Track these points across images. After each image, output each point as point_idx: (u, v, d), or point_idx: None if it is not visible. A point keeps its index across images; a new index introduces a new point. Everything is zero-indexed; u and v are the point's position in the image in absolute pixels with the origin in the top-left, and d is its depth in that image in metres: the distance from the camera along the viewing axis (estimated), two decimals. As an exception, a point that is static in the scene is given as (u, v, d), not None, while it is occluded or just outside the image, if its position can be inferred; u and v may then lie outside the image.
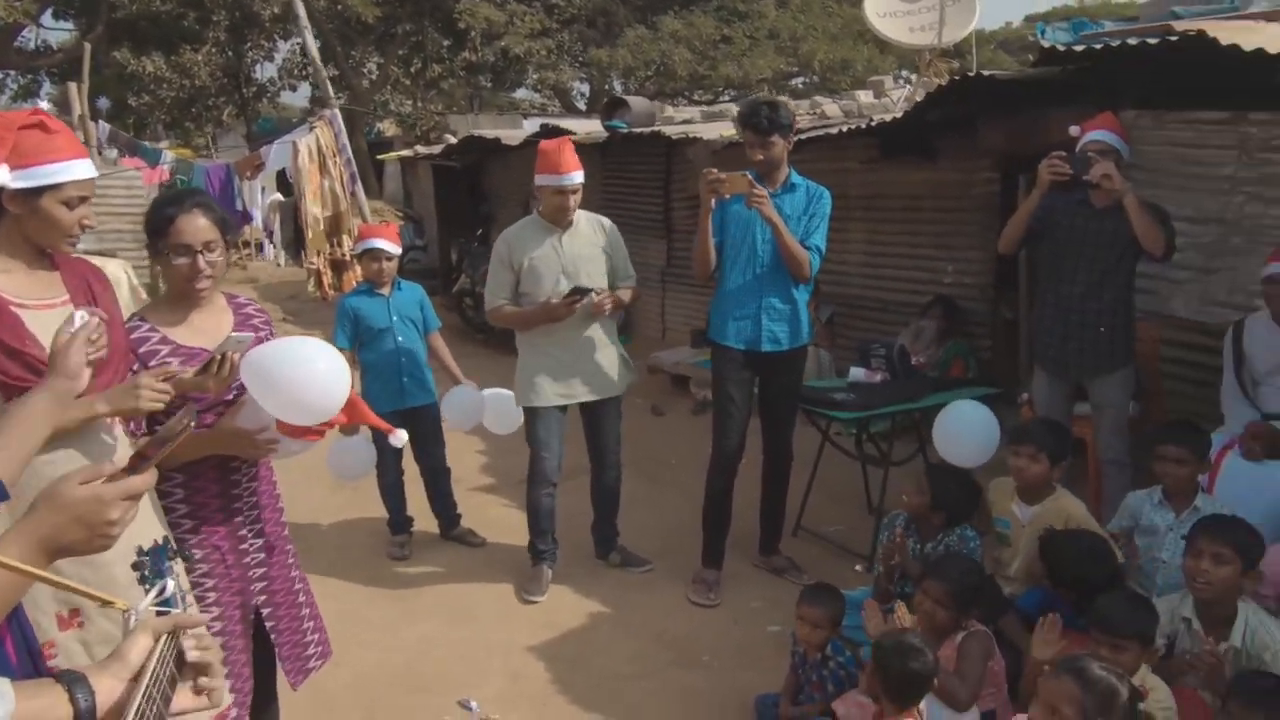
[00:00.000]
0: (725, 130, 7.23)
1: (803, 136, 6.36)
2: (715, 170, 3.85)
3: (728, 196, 3.88)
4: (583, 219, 4.14)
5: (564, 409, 4.20)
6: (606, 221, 4.26)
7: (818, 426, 4.78)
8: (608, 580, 4.35)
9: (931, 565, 3.10)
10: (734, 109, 8.97)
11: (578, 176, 4.00)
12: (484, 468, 5.98)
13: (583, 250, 4.09)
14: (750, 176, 3.81)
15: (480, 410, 4.43)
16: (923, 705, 2.63)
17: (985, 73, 5.32)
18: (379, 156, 18.21)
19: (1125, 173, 5.12)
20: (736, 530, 4.45)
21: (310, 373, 2.30)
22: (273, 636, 2.63)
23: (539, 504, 4.27)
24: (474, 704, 3.42)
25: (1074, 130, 4.03)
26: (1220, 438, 4.00)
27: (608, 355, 4.18)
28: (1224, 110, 4.86)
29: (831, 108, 8.15)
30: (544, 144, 4.08)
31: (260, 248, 13.55)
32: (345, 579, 4.40)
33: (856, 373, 4.83)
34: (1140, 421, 4.48)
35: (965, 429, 3.73)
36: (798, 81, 22.36)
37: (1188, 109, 5.02)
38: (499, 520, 5.08)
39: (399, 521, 4.70)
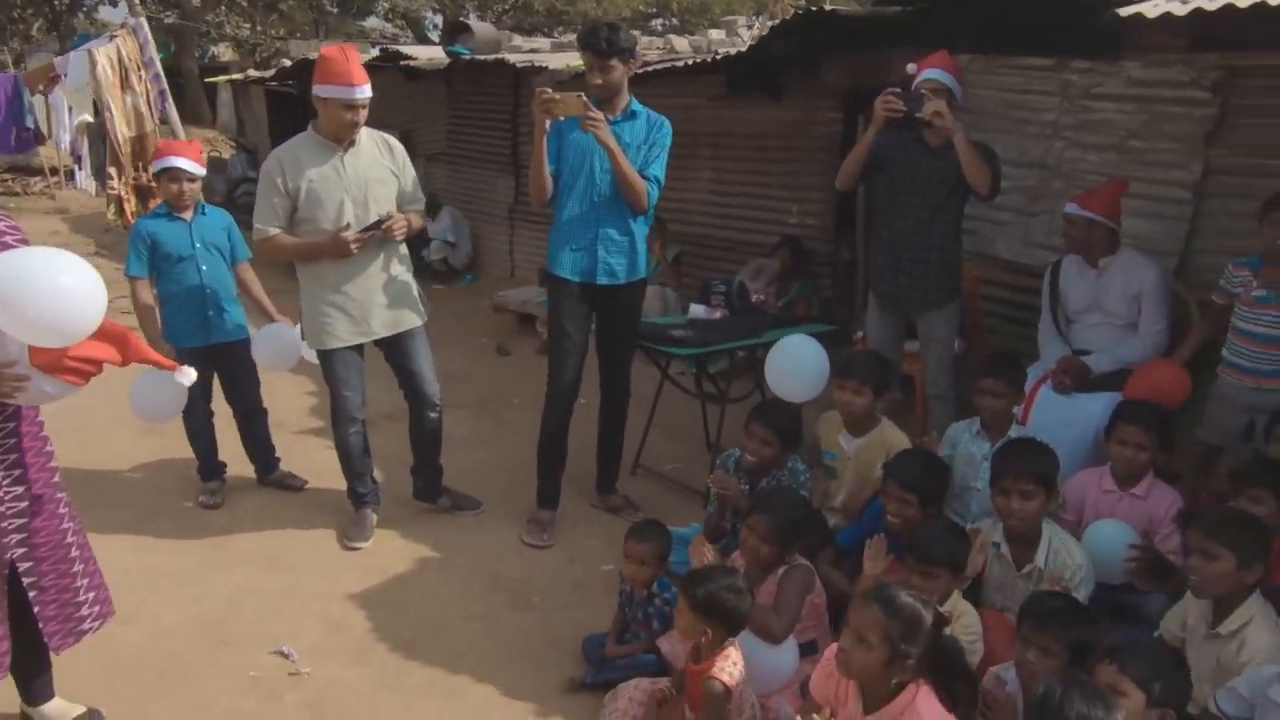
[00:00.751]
0: (573, 60, 6.99)
1: (649, 69, 6.22)
2: (549, 90, 3.65)
3: (562, 118, 3.70)
4: (365, 137, 3.78)
5: (362, 345, 3.95)
6: (393, 140, 3.94)
7: (657, 364, 4.71)
8: (438, 524, 4.18)
9: (758, 500, 3.08)
10: (584, 40, 8.71)
11: (367, 90, 3.64)
12: (313, 409, 5.64)
13: (369, 171, 3.75)
14: (585, 98, 3.64)
15: (295, 350, 4.08)
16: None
17: (828, 8, 5.29)
18: (208, 80, 16.88)
19: (957, 114, 5.25)
20: (574, 470, 4.36)
21: (53, 286, 2.00)
22: (32, 595, 2.34)
23: (348, 445, 4.03)
24: (291, 651, 3.21)
25: (911, 68, 4.04)
26: (1035, 372, 4.17)
27: (402, 286, 3.91)
28: (1049, 57, 5.01)
29: (681, 43, 8.02)
30: (327, 50, 3.70)
31: (71, 175, 12.34)
32: (149, 531, 4.05)
33: (696, 310, 4.78)
34: (964, 358, 4.62)
35: (795, 365, 3.72)
36: (657, 23, 22.15)
37: (1017, 55, 5.16)
38: (325, 464, 4.76)
39: (209, 467, 4.36)
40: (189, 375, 2.70)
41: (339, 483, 4.50)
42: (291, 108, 12.18)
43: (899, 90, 3.90)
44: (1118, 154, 4.80)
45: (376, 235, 3.70)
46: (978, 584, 3.04)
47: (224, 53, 24.82)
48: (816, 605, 2.96)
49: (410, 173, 3.94)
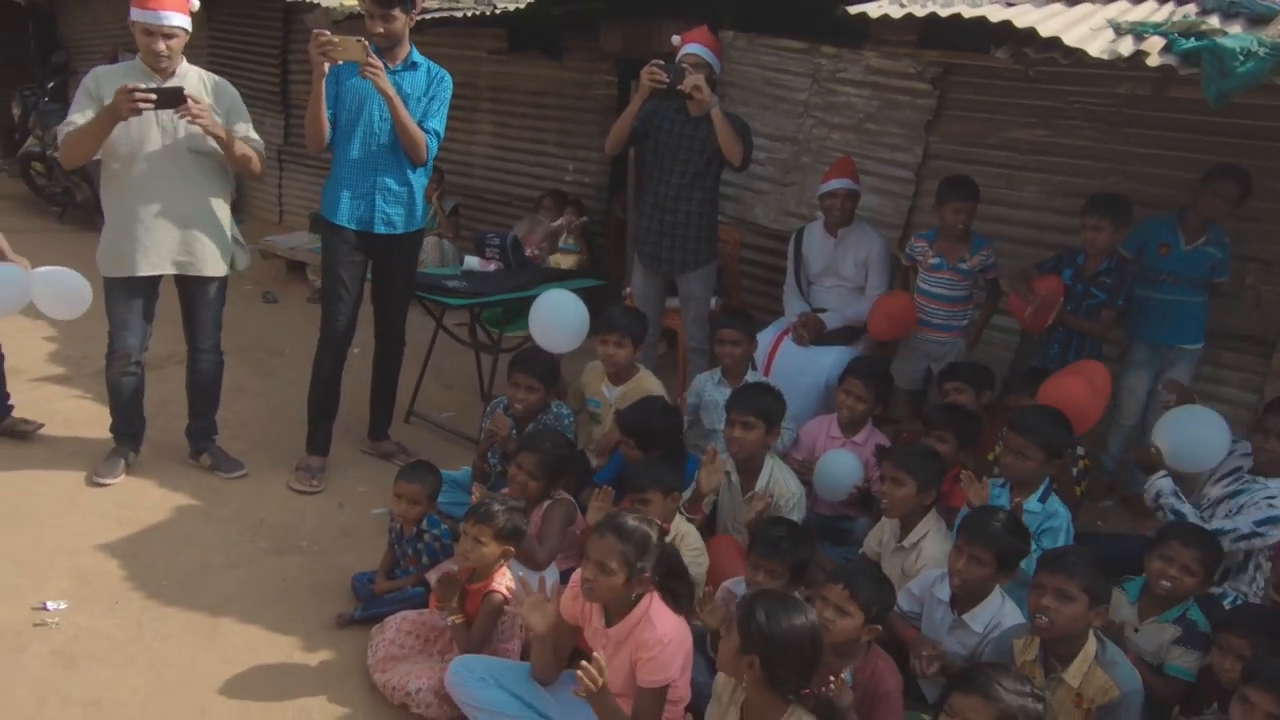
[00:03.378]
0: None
1: (429, 17, 6.15)
2: (327, 33, 3.61)
3: (340, 61, 3.67)
4: (193, 74, 3.68)
5: (155, 281, 3.79)
6: (224, 83, 3.79)
7: (431, 314, 4.78)
8: (200, 476, 4.06)
9: (525, 440, 3.28)
10: (361, -21, 8.39)
11: (174, 18, 3.50)
12: (52, 356, 5.24)
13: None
14: (365, 43, 3.62)
15: (23, 292, 3.76)
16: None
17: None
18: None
19: (720, 88, 5.63)
20: (347, 417, 4.37)
21: None
22: None
23: (116, 383, 3.87)
24: (51, 604, 3.08)
25: (675, 40, 4.30)
26: (778, 326, 4.65)
27: (212, 228, 3.78)
28: (802, 40, 5.48)
29: (463, -7, 7.92)
30: None
31: None
32: None
33: (471, 262, 4.88)
34: (719, 314, 5.03)
35: (556, 318, 3.92)
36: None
37: (775, 35, 5.59)
38: (66, 414, 4.50)
39: (-71, 417, 4.00)
40: None
41: (86, 432, 4.29)
42: (19, 21, 10.90)
43: (663, 63, 4.15)
44: (856, 134, 5.35)
45: (176, 115, 3.49)
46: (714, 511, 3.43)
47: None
48: (576, 535, 3.21)
49: (244, 115, 3.77)
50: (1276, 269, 4.28)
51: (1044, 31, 3.37)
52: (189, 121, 3.50)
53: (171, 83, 3.60)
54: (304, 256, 7.02)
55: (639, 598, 2.45)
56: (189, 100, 3.45)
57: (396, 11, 3.76)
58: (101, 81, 3.57)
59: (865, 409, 3.77)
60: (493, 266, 4.86)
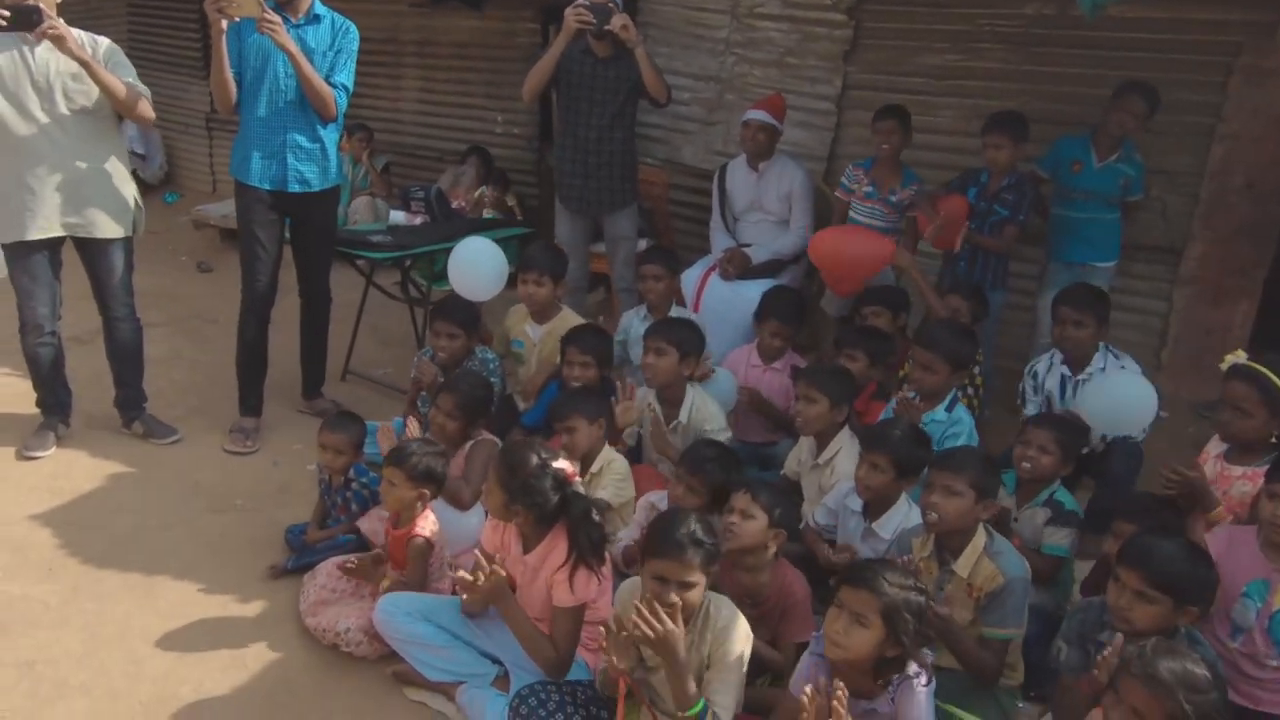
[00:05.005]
0: (261, -43, 6.61)
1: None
2: None
3: (237, 19, 3.62)
4: (74, 32, 3.54)
5: (54, 246, 3.75)
6: (103, 40, 3.69)
7: (359, 270, 4.78)
8: (134, 444, 4.06)
9: (444, 383, 3.33)
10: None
11: None
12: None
13: (63, 65, 3.53)
14: (263, 0, 3.58)
15: None
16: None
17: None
18: None
19: (640, 30, 5.60)
20: (282, 378, 4.39)
21: None
22: None
23: (34, 355, 3.86)
24: None
25: None
26: (705, 261, 4.71)
27: (103, 190, 3.72)
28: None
29: (381, -56, 7.76)
30: None
31: None
32: None
33: (396, 216, 4.88)
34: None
35: (474, 265, 3.94)
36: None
37: (692, -29, 5.57)
38: (-2, 391, 4.48)
39: None
40: None
41: (14, 408, 4.27)
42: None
43: (588, 4, 4.14)
44: (778, 69, 5.38)
45: (32, 35, 3.38)
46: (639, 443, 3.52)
47: None
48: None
49: (125, 72, 3.66)
50: (1180, 180, 4.41)
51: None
52: (49, 38, 3.36)
53: (44, 46, 3.47)
54: (236, 224, 6.93)
55: (554, 528, 2.52)
56: (45, 17, 3.34)
57: (294, -37, 3.71)
58: None
59: (782, 344, 3.86)
60: (419, 220, 4.86)
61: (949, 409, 3.19)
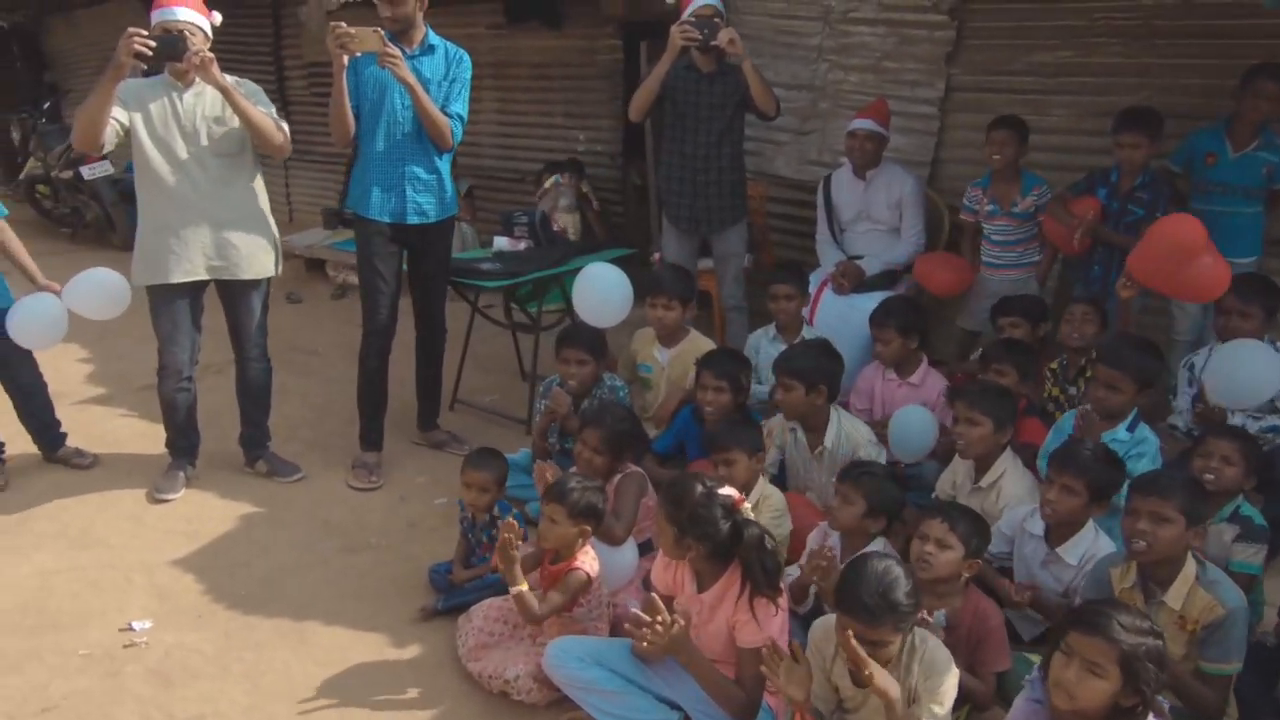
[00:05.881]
0: (339, -13, 6.64)
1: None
2: (343, 24, 3.55)
3: (358, 54, 3.61)
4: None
5: (197, 290, 3.77)
6: (246, 81, 3.75)
7: (466, 298, 4.75)
8: (259, 483, 4.05)
9: (587, 416, 3.26)
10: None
11: (183, 13, 3.49)
12: (91, 377, 5.24)
13: (210, 111, 3.60)
14: (381, 33, 3.56)
15: (59, 321, 3.73)
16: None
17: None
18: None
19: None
20: (393, 410, 4.36)
21: None
22: None
23: (169, 400, 3.88)
24: (137, 624, 3.09)
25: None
26: (817, 276, 4.60)
27: (248, 228, 3.74)
28: (809, -17, 5.36)
29: (454, -32, 7.79)
30: None
31: None
32: (-77, 524, 3.69)
33: (501, 242, 4.84)
34: (752, 271, 4.98)
35: (602, 292, 3.88)
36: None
37: (779, -19, 5.47)
38: (116, 434, 4.50)
39: (-15, 448, 4.00)
40: None
41: (139, 449, 4.29)
42: (4, 44, 10.78)
43: (693, 21, 4.07)
44: (875, 74, 5.25)
45: (177, 63, 3.45)
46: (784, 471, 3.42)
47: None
48: (650, 507, 3.20)
49: (263, 105, 3.71)
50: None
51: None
52: (194, 66, 3.43)
53: (191, 92, 3.56)
54: (322, 253, 6.99)
55: (729, 564, 2.43)
56: (190, 46, 3.41)
57: (405, -8, 3.68)
58: (124, 96, 3.53)
59: (897, 347, 3.73)
60: (523, 245, 4.81)
61: (1131, 429, 3.04)
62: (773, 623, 2.41)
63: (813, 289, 4.55)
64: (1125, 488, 2.56)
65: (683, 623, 2.35)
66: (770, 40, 5.57)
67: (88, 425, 4.54)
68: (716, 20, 4.10)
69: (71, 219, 8.54)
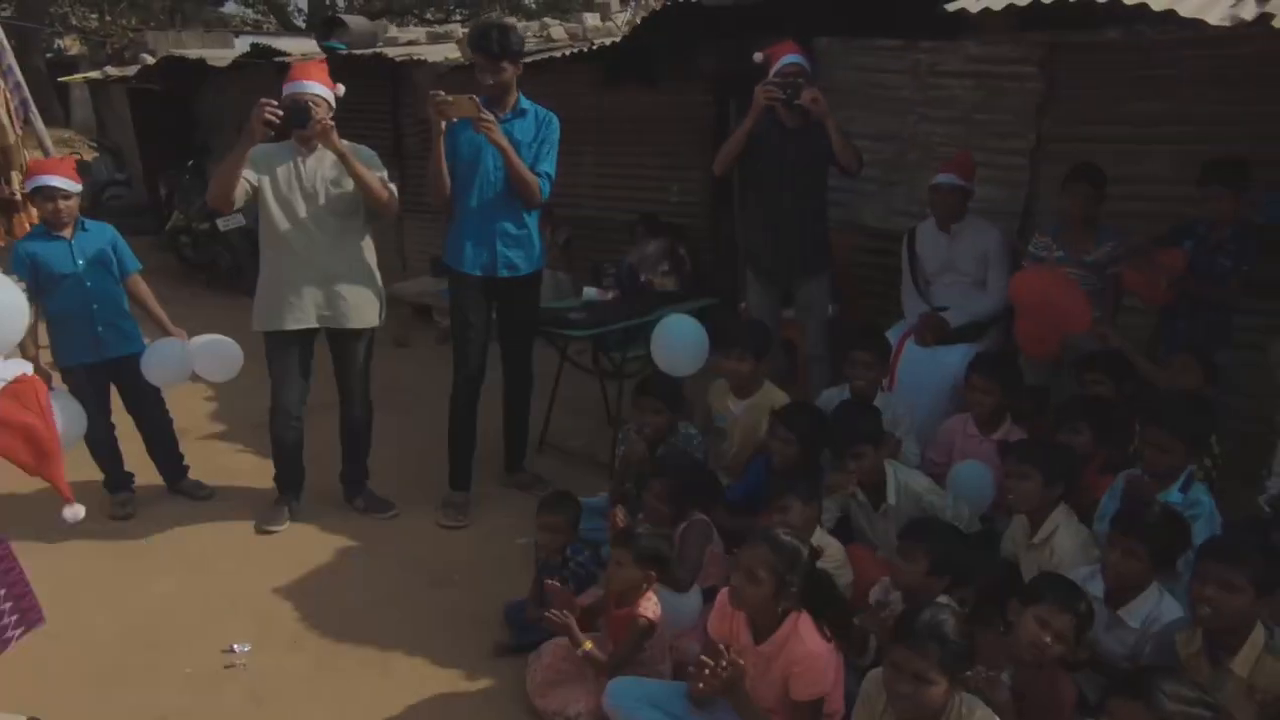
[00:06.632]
0: (451, 53, 7.08)
1: (528, 60, 6.39)
2: (442, 92, 3.84)
3: (455, 120, 3.88)
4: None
5: (308, 337, 4.07)
6: (361, 147, 4.08)
7: (555, 346, 4.95)
8: (356, 518, 4.32)
9: (655, 466, 3.37)
10: (460, 30, 8.76)
11: (309, 87, 3.85)
12: (214, 414, 5.67)
13: (328, 173, 3.93)
14: (477, 100, 3.82)
15: (184, 364, 4.10)
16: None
17: (695, -1, 5.55)
18: (61, 79, 16.03)
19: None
20: (483, 452, 4.57)
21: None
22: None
23: (279, 437, 4.19)
24: (239, 647, 3.34)
25: (758, 57, 4.35)
26: (900, 328, 4.60)
27: (356, 282, 4.04)
28: (899, 39, 5.42)
29: (558, 30, 8.18)
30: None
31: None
32: (63, 547, 4.02)
33: (590, 292, 5.03)
34: (837, 322, 5.01)
35: (678, 343, 4.01)
36: (530, 0, 22.03)
37: (870, 37, 5.55)
38: (232, 467, 4.87)
39: (117, 480, 4.38)
40: (76, 513, 2.94)
41: (252, 482, 4.62)
42: (158, 106, 11.79)
43: (777, 80, 4.20)
44: (964, 126, 5.25)
45: (302, 129, 3.78)
46: (849, 527, 3.44)
47: (71, 45, 23.49)
48: (715, 555, 3.27)
49: (376, 168, 4.03)
50: None
51: (1156, 5, 3.26)
52: (316, 134, 3.77)
53: (313, 156, 3.89)
54: (429, 300, 7.35)
55: (785, 613, 2.49)
56: (314, 115, 3.74)
57: (505, 64, 3.94)
58: (256, 160, 3.88)
59: (993, 401, 3.69)
60: (610, 295, 4.99)
61: (1184, 489, 2.96)
62: (827, 675, 2.45)
63: (896, 340, 4.56)
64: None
65: (741, 662, 2.41)
66: (859, 93, 5.64)
67: (208, 459, 4.91)
68: (800, 80, 4.21)
69: (209, 267, 9.24)
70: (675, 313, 4.41)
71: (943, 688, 2.12)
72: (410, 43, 8.54)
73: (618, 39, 5.77)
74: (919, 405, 4.20)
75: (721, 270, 6.66)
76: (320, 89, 3.89)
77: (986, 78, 5.10)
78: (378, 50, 7.35)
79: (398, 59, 7.05)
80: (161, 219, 10.39)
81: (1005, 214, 5.06)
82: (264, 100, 3.70)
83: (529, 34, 8.02)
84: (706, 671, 2.38)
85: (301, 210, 3.92)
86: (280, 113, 3.69)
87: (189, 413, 5.52)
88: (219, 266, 8.99)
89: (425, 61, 6.76)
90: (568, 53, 5.99)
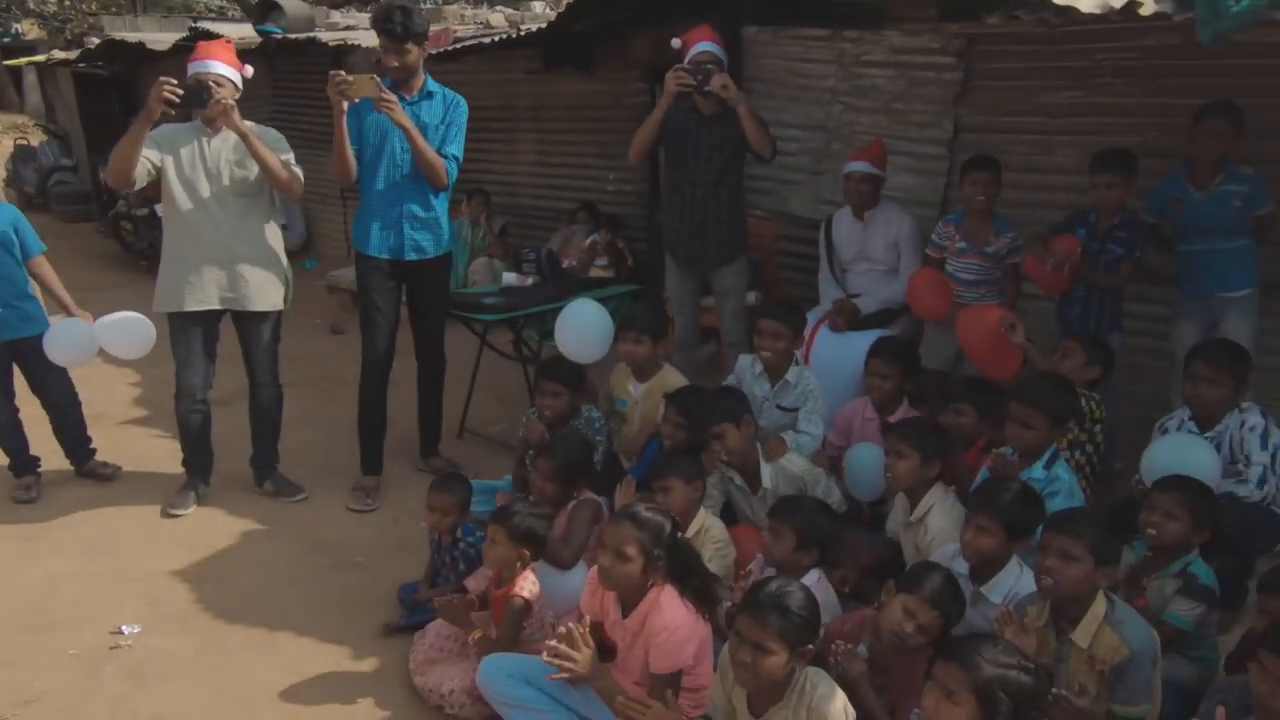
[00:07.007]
0: (388, 38, 7.02)
1: (461, 45, 6.38)
2: (342, 72, 3.82)
3: (356, 100, 3.86)
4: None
5: (212, 319, 4.04)
6: (270, 131, 4.06)
7: (474, 331, 4.94)
8: (265, 502, 4.30)
9: (542, 446, 3.39)
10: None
11: (212, 66, 3.83)
12: (136, 399, 5.61)
13: (233, 154, 3.89)
14: (378, 80, 3.81)
15: (88, 344, 4.06)
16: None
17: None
18: (8, 62, 15.76)
19: (746, 83, 5.65)
20: (401, 437, 4.56)
21: None
22: None
23: (184, 420, 4.16)
24: (126, 628, 3.31)
25: (675, 43, 4.35)
26: (814, 314, 4.63)
27: (259, 264, 4.01)
28: (825, 28, 5.45)
29: (497, 18, 8.15)
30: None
31: None
32: (-41, 529, 4.02)
33: (509, 278, 5.03)
34: (757, 307, 5.03)
35: (580, 329, 4.01)
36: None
37: (797, 26, 5.58)
38: (147, 452, 4.82)
39: (21, 463, 4.33)
40: None
41: (162, 467, 4.58)
42: (104, 91, 11.63)
43: (688, 67, 4.21)
44: (886, 116, 5.30)
45: (203, 109, 3.76)
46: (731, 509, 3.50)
47: (29, 29, 23.10)
48: (603, 534, 3.28)
49: (283, 151, 3.99)
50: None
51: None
52: (217, 113, 3.73)
53: (218, 137, 3.87)
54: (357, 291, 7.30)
55: (651, 587, 2.51)
56: (214, 95, 3.71)
57: (410, 45, 3.93)
58: (159, 139, 3.86)
59: (892, 387, 3.73)
60: (530, 281, 4.99)
61: (1047, 466, 3.01)
62: (685, 649, 2.46)
63: (811, 325, 4.60)
64: (1044, 526, 2.54)
65: (590, 651, 2.41)
66: (786, 83, 5.67)
67: (125, 443, 4.87)
68: (710, 66, 4.22)
69: (149, 252, 9.12)
70: (597, 298, 4.42)
71: (782, 658, 2.13)
72: (349, 28, 8.47)
73: (543, 27, 5.75)
74: (832, 390, 4.23)
75: (656, 259, 6.68)
76: (224, 69, 3.86)
77: (907, 68, 5.15)
78: (312, 35, 7.28)
79: (332, 44, 7.00)
80: (105, 205, 10.27)
81: (925, 203, 5.12)
82: (163, 79, 3.66)
83: (468, 22, 7.99)
84: (559, 649, 2.38)
85: (205, 190, 3.89)
86: (180, 91, 3.65)
87: (110, 397, 5.49)
88: (158, 252, 8.87)
89: (360, 46, 6.72)
90: (498, 38, 5.95)
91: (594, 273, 6.09)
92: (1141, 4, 3.03)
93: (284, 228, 8.98)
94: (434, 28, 7.61)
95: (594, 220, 6.43)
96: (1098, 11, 3.12)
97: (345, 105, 3.85)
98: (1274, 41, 3.87)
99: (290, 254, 9.45)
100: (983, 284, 4.19)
